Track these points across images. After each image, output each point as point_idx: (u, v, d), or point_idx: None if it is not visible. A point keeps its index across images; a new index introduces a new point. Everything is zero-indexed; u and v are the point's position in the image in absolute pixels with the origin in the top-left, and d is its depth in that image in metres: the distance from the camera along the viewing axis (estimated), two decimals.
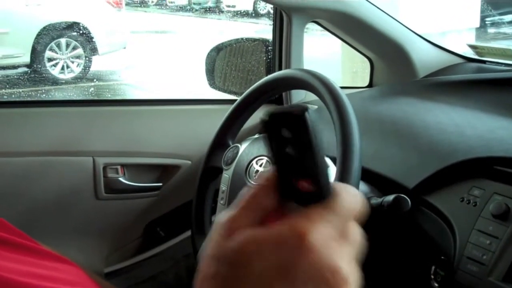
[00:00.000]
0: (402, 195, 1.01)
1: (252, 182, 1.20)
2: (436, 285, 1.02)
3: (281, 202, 0.40)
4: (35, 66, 4.50)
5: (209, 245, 0.40)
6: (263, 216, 0.40)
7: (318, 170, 0.38)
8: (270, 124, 0.38)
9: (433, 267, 1.04)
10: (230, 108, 1.33)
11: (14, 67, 4.60)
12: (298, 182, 0.39)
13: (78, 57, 4.61)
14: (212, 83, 1.83)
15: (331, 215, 0.39)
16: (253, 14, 7.23)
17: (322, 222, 0.39)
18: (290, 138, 0.38)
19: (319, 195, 0.39)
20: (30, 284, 0.51)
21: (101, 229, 1.67)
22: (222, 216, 0.41)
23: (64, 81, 4.52)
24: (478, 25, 4.89)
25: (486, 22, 5.07)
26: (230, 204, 1.22)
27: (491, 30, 5.19)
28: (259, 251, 0.38)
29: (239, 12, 7.37)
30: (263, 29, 6.42)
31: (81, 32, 4.62)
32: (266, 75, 1.47)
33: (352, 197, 0.41)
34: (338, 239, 0.39)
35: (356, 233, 0.42)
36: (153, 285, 1.74)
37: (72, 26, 4.65)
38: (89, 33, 4.62)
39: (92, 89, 4.68)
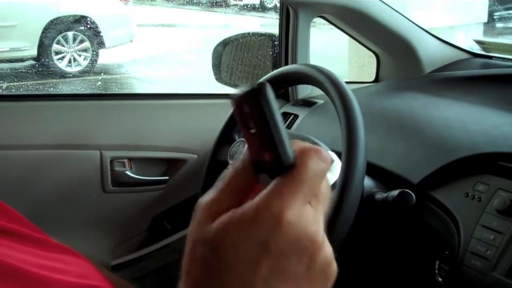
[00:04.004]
0: (407, 190, 1.02)
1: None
2: (440, 279, 1.02)
3: (256, 177, 0.42)
4: (42, 59, 4.51)
5: (192, 229, 0.42)
6: (243, 195, 0.42)
7: (274, 142, 0.39)
8: (235, 102, 0.40)
9: (437, 262, 1.04)
10: None
11: (21, 60, 4.61)
12: (262, 156, 0.40)
13: (85, 50, 4.62)
14: (219, 77, 1.84)
15: (299, 185, 0.40)
16: (260, 8, 7.22)
17: (293, 196, 0.39)
18: (249, 113, 0.39)
19: (281, 167, 0.40)
20: (46, 276, 0.51)
21: (108, 222, 1.69)
22: (204, 199, 0.42)
23: (71, 75, 4.54)
24: (486, 20, 4.87)
25: (494, 17, 5.04)
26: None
27: (499, 25, 5.17)
28: (239, 232, 0.39)
29: (245, 6, 7.36)
30: (270, 23, 6.41)
31: (88, 25, 4.63)
32: (273, 70, 1.48)
33: (316, 159, 0.41)
34: (310, 204, 0.41)
35: (325, 189, 0.43)
36: (159, 277, 1.75)
37: (79, 19, 4.66)
38: (96, 26, 4.63)
39: (99, 82, 4.70)
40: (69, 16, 4.65)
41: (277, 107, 0.39)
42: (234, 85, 1.85)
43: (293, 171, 0.40)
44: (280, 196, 0.39)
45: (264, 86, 0.39)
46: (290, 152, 0.40)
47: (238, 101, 0.40)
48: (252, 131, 0.40)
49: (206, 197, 0.42)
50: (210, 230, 0.40)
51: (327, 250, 0.41)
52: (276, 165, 0.40)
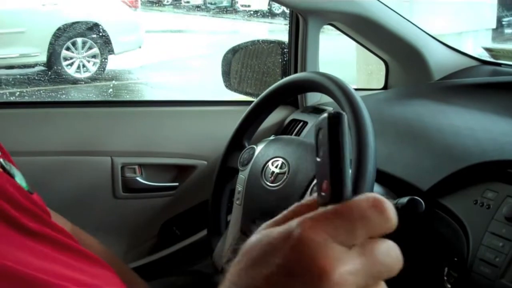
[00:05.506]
0: (416, 197, 1.02)
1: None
2: (449, 286, 1.03)
3: None
4: (52, 65, 4.54)
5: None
6: None
7: (334, 171, 0.38)
8: (316, 128, 0.40)
9: (446, 269, 1.05)
10: (246, 109, 1.34)
11: (32, 66, 4.64)
12: (322, 184, 0.39)
13: (94, 56, 4.65)
14: (228, 84, 1.85)
15: (335, 216, 0.37)
16: (268, 14, 7.24)
17: (321, 222, 0.37)
18: (322, 140, 0.39)
19: (333, 198, 0.38)
20: None
21: (119, 228, 1.70)
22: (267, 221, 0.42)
23: (83, 81, 4.56)
24: (494, 26, 4.86)
25: (503, 23, 5.04)
26: (246, 205, 1.24)
27: (508, 31, 5.16)
28: (262, 243, 0.39)
29: (254, 12, 7.39)
30: (279, 29, 6.43)
31: (96, 31, 4.66)
32: (282, 77, 1.49)
33: (373, 206, 0.38)
34: (343, 245, 0.36)
35: (385, 249, 0.38)
36: (168, 283, 1.76)
37: (88, 25, 4.69)
38: (105, 32, 4.66)
39: (111, 89, 4.72)
40: (78, 22, 4.68)
41: (348, 140, 0.39)
42: (244, 92, 1.86)
43: (340, 203, 0.38)
44: (311, 217, 0.37)
45: (341, 115, 0.39)
46: (348, 186, 0.39)
47: (318, 127, 0.40)
48: (318, 159, 0.40)
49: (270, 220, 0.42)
50: (249, 240, 0.40)
51: None
52: (332, 196, 0.39)
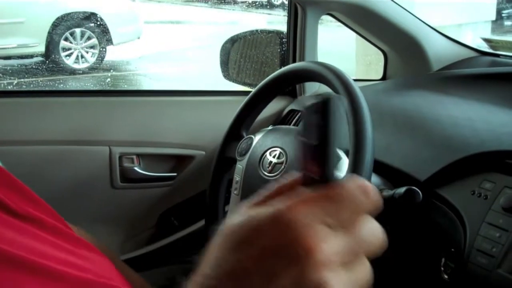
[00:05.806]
0: (414, 187, 1.02)
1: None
2: (446, 277, 1.03)
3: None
4: (50, 56, 4.53)
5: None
6: None
7: (322, 153, 0.39)
8: (308, 110, 0.40)
9: (443, 259, 1.05)
10: (244, 99, 1.34)
11: (30, 56, 4.63)
12: (308, 166, 0.40)
13: (92, 47, 4.64)
14: (227, 75, 1.85)
15: (322, 198, 0.38)
16: (268, 5, 7.22)
17: (308, 204, 0.38)
18: (314, 124, 0.39)
19: (320, 179, 0.39)
20: (63, 271, 0.51)
21: (116, 218, 1.70)
22: (246, 202, 0.42)
23: (81, 71, 4.55)
24: (494, 18, 4.85)
25: (502, 15, 5.03)
26: (244, 195, 1.24)
27: (507, 23, 5.15)
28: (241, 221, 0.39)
29: (253, 3, 7.37)
30: (278, 20, 6.41)
31: (95, 22, 4.64)
32: (280, 67, 1.49)
33: (359, 190, 0.39)
34: (328, 226, 0.37)
35: (369, 229, 0.39)
36: (166, 273, 1.77)
37: (86, 16, 4.68)
38: (104, 23, 4.64)
39: (108, 79, 4.71)
40: (77, 12, 4.67)
41: (337, 124, 0.39)
42: (242, 82, 1.86)
43: (326, 185, 0.39)
44: (297, 199, 0.38)
45: (331, 98, 0.39)
46: (333, 170, 0.39)
47: (312, 109, 0.40)
48: (304, 140, 0.40)
49: (248, 201, 0.42)
50: (234, 222, 0.40)
51: (329, 276, 0.36)
52: (319, 177, 0.39)
